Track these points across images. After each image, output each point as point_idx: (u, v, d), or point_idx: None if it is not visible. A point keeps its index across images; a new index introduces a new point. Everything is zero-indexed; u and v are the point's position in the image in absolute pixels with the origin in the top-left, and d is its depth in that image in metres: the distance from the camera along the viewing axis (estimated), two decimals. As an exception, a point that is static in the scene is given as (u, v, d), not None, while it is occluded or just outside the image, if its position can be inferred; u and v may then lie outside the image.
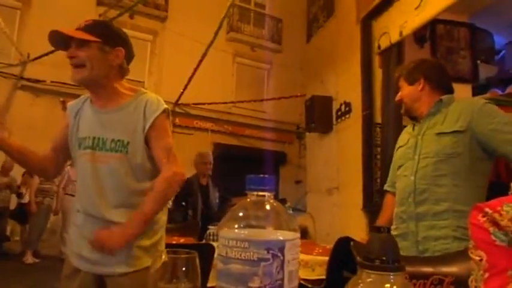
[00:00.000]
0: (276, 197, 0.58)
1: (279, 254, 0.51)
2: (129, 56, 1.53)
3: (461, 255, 1.49)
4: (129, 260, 1.40)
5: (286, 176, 10.21)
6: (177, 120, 9.01)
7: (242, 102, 9.96)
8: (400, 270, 0.48)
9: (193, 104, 9.43)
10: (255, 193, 0.55)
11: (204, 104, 9.54)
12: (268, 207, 0.55)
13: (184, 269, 0.62)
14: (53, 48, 1.58)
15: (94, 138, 1.45)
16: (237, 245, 0.51)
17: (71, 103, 1.60)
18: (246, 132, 10.44)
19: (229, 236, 0.52)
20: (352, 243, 1.59)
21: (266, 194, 0.56)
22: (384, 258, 0.48)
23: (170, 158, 1.45)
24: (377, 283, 0.48)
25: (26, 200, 6.53)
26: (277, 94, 9.68)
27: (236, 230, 0.53)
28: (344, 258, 1.26)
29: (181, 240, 2.46)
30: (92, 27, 1.44)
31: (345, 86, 5.50)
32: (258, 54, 11.01)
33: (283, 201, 4.01)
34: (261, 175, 0.57)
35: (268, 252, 0.50)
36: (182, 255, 0.62)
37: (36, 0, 8.73)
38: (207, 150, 4.50)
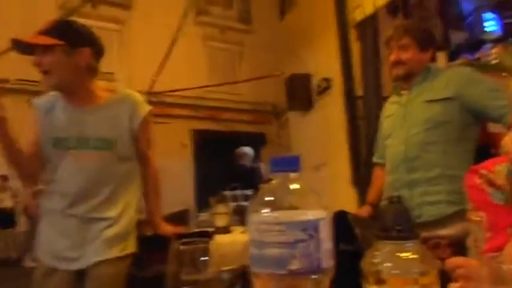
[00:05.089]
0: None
1: (314, 234, 0.50)
2: (98, 55, 1.53)
3: (456, 217, 1.54)
4: (103, 248, 1.45)
5: (268, 156, 10.23)
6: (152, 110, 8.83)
7: (215, 86, 9.83)
8: (416, 237, 0.50)
9: (168, 91, 9.24)
10: (281, 174, 0.54)
11: (178, 90, 9.37)
12: (295, 187, 0.54)
13: (199, 258, 0.60)
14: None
15: (77, 138, 1.46)
16: (272, 228, 0.49)
17: (38, 101, 1.56)
18: (223, 116, 10.35)
19: (263, 220, 0.50)
20: (349, 216, 1.61)
21: (291, 174, 0.54)
22: (399, 227, 0.49)
23: (150, 150, 1.64)
24: (395, 252, 0.49)
25: (4, 204, 6.37)
26: (252, 75, 9.59)
27: (268, 214, 0.51)
28: (339, 231, 1.28)
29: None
30: (53, 30, 1.42)
31: (323, 62, 5.50)
32: (228, 36, 10.83)
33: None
34: (285, 156, 0.56)
35: (304, 232, 0.49)
36: (192, 246, 0.61)
37: (-10, -6, 8.26)
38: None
